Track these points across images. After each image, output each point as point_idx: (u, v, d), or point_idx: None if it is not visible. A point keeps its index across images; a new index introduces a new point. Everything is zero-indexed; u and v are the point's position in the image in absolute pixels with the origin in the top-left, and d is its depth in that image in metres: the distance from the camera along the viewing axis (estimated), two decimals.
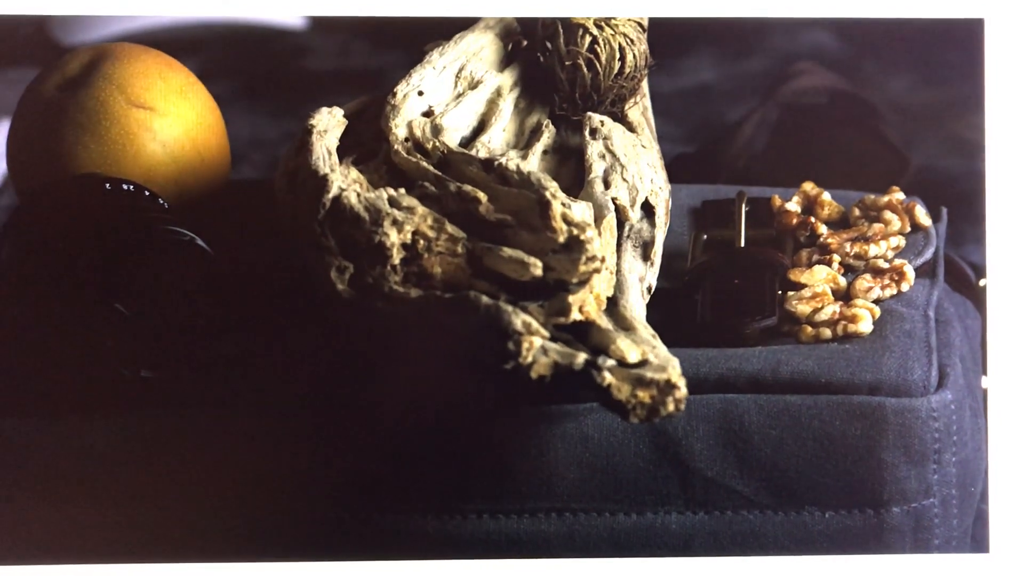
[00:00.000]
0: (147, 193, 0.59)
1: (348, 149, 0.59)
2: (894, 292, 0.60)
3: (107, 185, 0.59)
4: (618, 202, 0.58)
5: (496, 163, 0.57)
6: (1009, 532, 0.58)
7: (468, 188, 0.55)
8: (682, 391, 0.51)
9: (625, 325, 0.54)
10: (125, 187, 0.59)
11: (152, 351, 0.57)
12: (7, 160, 0.63)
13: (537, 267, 0.53)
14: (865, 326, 0.58)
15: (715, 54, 0.89)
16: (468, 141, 0.60)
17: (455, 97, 0.61)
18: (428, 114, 0.60)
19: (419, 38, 0.63)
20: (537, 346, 0.51)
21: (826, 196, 0.64)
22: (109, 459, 0.57)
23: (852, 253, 0.61)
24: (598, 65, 0.61)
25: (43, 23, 0.88)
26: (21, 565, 0.57)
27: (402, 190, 0.55)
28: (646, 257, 0.59)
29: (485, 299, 0.53)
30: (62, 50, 0.81)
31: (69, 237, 0.58)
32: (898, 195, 0.64)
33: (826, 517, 0.56)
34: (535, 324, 0.52)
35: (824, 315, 0.58)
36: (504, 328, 0.52)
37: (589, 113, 0.61)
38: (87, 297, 0.57)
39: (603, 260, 0.53)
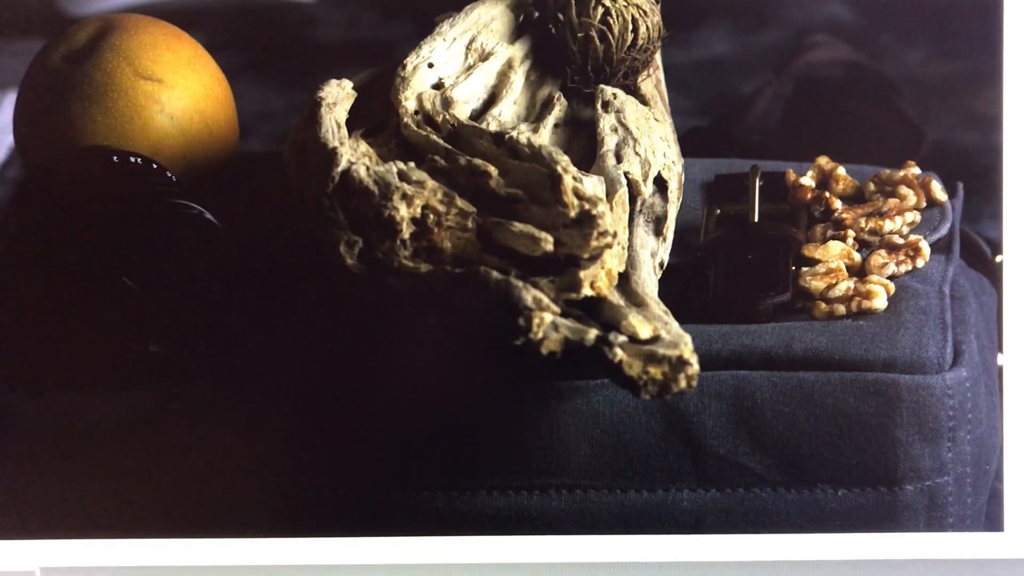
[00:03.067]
0: (155, 166, 0.59)
1: (357, 122, 0.59)
2: (909, 268, 0.60)
3: (114, 158, 0.59)
4: (630, 176, 0.58)
5: (507, 136, 0.56)
6: (1023, 510, 0.58)
7: (478, 162, 0.55)
8: (694, 368, 0.51)
9: (637, 301, 0.53)
10: (133, 160, 0.59)
11: (160, 325, 0.57)
12: (14, 132, 0.63)
13: (548, 242, 0.53)
14: (880, 302, 0.58)
15: (729, 26, 0.88)
16: (478, 114, 0.60)
17: (465, 69, 0.61)
18: (438, 86, 0.60)
19: (429, 9, 0.63)
20: (548, 322, 0.51)
21: (841, 171, 0.63)
22: (117, 433, 0.56)
23: (867, 228, 0.61)
24: (610, 37, 0.61)
25: None
26: (28, 539, 0.57)
27: (412, 164, 0.55)
28: (658, 232, 0.58)
29: (495, 274, 0.52)
30: (69, 21, 0.81)
31: (76, 210, 0.57)
32: (914, 170, 0.63)
33: (839, 495, 0.56)
34: (546, 300, 0.51)
35: (838, 291, 0.58)
36: (515, 304, 0.51)
37: (601, 86, 0.61)
38: (95, 271, 0.57)
39: (615, 235, 0.53)
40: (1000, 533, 0.58)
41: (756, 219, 0.61)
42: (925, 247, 0.60)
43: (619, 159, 0.58)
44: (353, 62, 0.87)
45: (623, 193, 0.57)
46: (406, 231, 0.54)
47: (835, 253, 0.59)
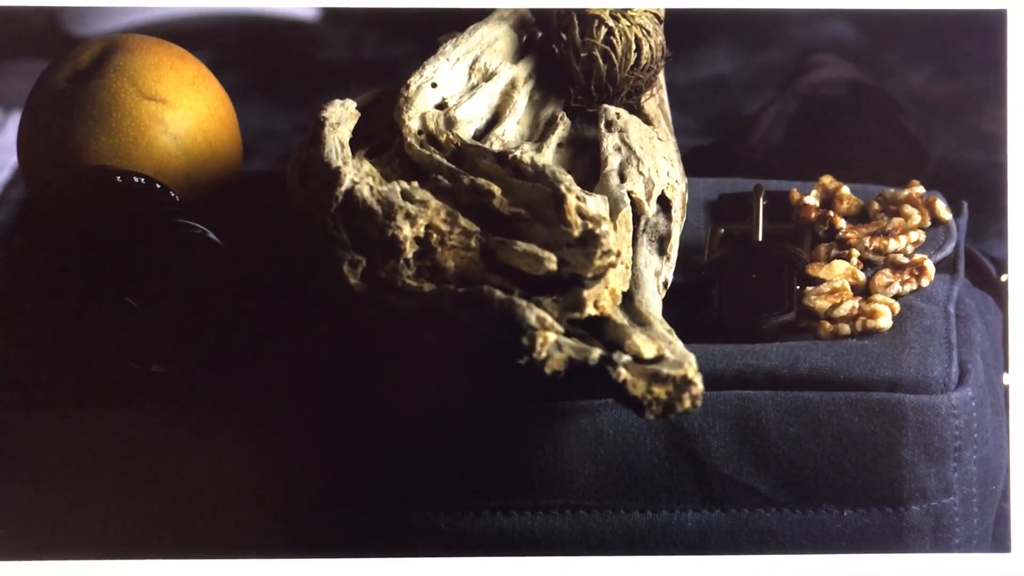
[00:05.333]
0: (158, 186, 0.59)
1: (361, 141, 0.59)
2: (914, 287, 0.59)
3: (118, 178, 0.59)
4: (634, 195, 0.58)
5: (510, 156, 0.56)
6: None
7: (482, 181, 0.55)
8: (698, 387, 0.51)
9: (641, 320, 0.53)
10: (136, 180, 0.59)
11: (162, 345, 0.57)
12: (18, 152, 0.63)
13: (551, 261, 0.53)
14: (884, 322, 0.57)
15: (732, 45, 0.88)
16: (482, 134, 0.60)
17: (469, 89, 0.61)
18: (442, 106, 0.60)
19: (432, 30, 0.63)
20: (551, 341, 0.51)
21: (845, 190, 0.63)
22: (119, 453, 0.56)
23: (871, 248, 0.61)
24: (614, 57, 0.61)
25: (54, 14, 0.88)
26: (30, 560, 0.57)
27: (415, 183, 0.55)
28: (662, 251, 0.58)
29: (499, 293, 0.52)
30: (73, 41, 0.81)
31: (80, 230, 0.57)
32: (918, 189, 0.63)
33: (844, 515, 0.56)
34: (549, 319, 0.51)
35: (843, 310, 0.58)
36: (518, 323, 0.51)
37: (605, 105, 0.61)
38: (97, 290, 0.57)
39: (618, 254, 0.53)
40: (1007, 554, 0.58)
41: (760, 238, 0.61)
42: (930, 266, 0.60)
43: (623, 178, 0.58)
44: (357, 82, 0.87)
45: (627, 212, 0.57)
46: (409, 250, 0.54)
47: (839, 272, 0.59)
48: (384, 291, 0.54)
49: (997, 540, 0.58)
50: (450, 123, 0.59)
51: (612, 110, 0.60)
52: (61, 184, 0.59)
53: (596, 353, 0.51)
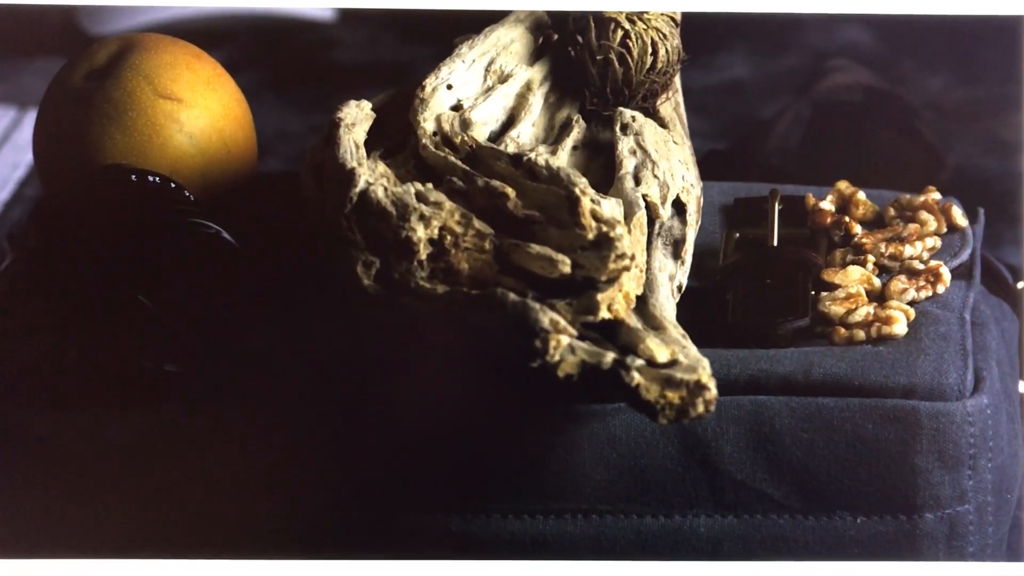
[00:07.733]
0: (173, 185, 0.59)
1: (376, 143, 0.59)
2: (929, 294, 0.59)
3: (133, 176, 0.59)
4: (649, 199, 0.57)
5: (525, 158, 0.56)
6: None
7: (496, 183, 0.55)
8: (712, 392, 0.50)
9: (655, 324, 0.53)
10: (151, 179, 0.59)
11: (176, 345, 0.57)
12: (33, 150, 0.63)
13: (565, 264, 0.53)
14: (900, 328, 0.57)
15: (749, 50, 0.88)
16: (497, 136, 0.60)
17: (484, 91, 0.61)
18: (457, 108, 0.60)
19: (448, 31, 0.63)
20: (564, 344, 0.51)
21: (861, 195, 0.63)
22: (131, 453, 0.56)
23: (887, 254, 0.60)
24: (630, 60, 0.60)
25: (71, 13, 0.88)
26: (42, 559, 0.57)
27: (430, 185, 0.55)
28: (677, 255, 0.58)
29: (512, 296, 0.52)
30: (89, 40, 0.81)
31: (94, 229, 0.58)
32: (934, 195, 0.63)
33: (858, 522, 0.55)
34: (563, 322, 0.51)
35: (858, 316, 0.57)
36: (531, 326, 0.51)
37: (620, 108, 0.61)
38: (111, 289, 0.57)
39: (633, 258, 0.53)
40: (1022, 564, 0.58)
41: (775, 243, 0.61)
42: (945, 273, 0.60)
43: (637, 182, 0.58)
44: (372, 83, 0.87)
45: (641, 216, 0.57)
46: (423, 252, 0.53)
47: (855, 278, 0.59)
48: (398, 293, 0.54)
49: (1012, 549, 0.58)
50: (465, 125, 0.59)
51: (628, 113, 0.60)
52: (76, 182, 0.59)
53: (609, 357, 0.51)
